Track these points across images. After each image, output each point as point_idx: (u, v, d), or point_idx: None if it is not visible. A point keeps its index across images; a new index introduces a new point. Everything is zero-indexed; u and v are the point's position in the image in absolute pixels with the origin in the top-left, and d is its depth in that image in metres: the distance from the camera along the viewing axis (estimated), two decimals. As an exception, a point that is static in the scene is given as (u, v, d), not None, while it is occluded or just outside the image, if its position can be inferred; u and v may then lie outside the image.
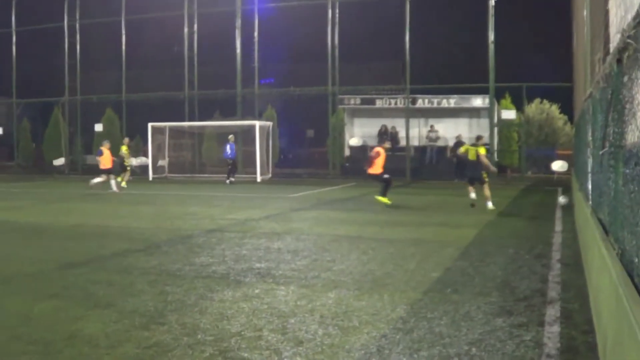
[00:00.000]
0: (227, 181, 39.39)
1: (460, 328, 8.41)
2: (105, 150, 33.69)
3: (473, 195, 24.23)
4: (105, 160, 33.69)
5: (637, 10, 4.64)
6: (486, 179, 24.13)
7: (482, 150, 24.00)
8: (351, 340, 7.88)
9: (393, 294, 10.27)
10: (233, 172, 39.69)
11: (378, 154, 25.35)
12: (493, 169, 25.19)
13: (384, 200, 25.01)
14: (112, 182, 33.30)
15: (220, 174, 42.90)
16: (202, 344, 7.69)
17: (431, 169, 44.20)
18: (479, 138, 24.85)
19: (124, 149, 36.03)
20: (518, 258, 13.66)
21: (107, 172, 33.58)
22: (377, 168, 25.32)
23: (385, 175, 25.29)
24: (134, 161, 47.83)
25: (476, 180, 24.19)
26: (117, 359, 7.22)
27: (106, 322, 8.63)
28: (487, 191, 24.01)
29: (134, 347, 7.58)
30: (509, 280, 11.40)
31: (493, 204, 23.78)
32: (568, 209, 23.29)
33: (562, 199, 24.55)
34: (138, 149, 50.63)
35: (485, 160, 24.02)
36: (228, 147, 39.83)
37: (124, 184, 35.25)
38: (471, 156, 24.25)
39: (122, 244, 15.72)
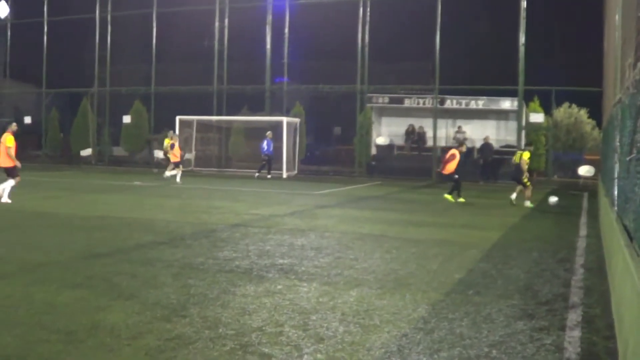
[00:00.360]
0: (256, 175, 39.86)
1: (481, 330, 8.41)
2: (176, 143, 35.03)
3: (514, 195, 25.78)
4: (176, 152, 35.05)
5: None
6: (527, 183, 25.54)
7: (525, 155, 25.37)
8: (372, 339, 7.89)
9: (415, 294, 10.27)
10: (266, 168, 39.85)
11: (453, 156, 26.34)
12: (523, 175, 25.71)
13: (451, 198, 26.32)
14: (178, 174, 34.72)
15: (247, 169, 43.00)
16: (223, 338, 7.72)
17: (458, 170, 44.04)
18: (528, 143, 27.30)
19: (167, 142, 37.07)
20: (541, 262, 13.61)
21: (177, 164, 34.89)
22: (450, 168, 26.33)
23: (456, 176, 26.34)
24: (161, 154, 48.12)
25: (515, 181, 26.13)
26: (138, 349, 7.27)
27: (128, 313, 8.68)
28: (527, 192, 25.60)
29: (155, 339, 7.63)
30: (532, 283, 11.37)
31: (531, 202, 25.48)
32: (592, 214, 23.21)
33: (552, 199, 25.40)
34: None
35: (523, 165, 25.31)
36: (265, 142, 40.12)
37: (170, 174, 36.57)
38: (516, 159, 25.89)
39: (147, 236, 15.81)
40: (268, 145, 39.81)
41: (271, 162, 40.14)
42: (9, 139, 22.36)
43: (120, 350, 7.25)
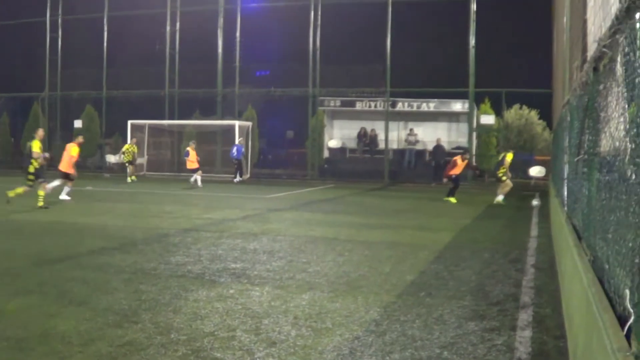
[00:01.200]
0: (235, 180, 40.26)
1: (432, 331, 8.45)
2: (191, 150, 35.37)
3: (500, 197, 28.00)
4: (192, 158, 35.34)
5: (613, 21, 4.69)
6: (502, 178, 27.83)
7: (509, 156, 28.08)
8: (324, 342, 7.91)
9: (367, 297, 10.30)
10: (240, 172, 40.35)
11: (455, 162, 28.35)
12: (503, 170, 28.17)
13: (453, 200, 28.26)
14: (198, 178, 35.01)
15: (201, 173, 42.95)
16: (176, 344, 7.70)
17: (409, 172, 44.30)
18: (510, 147, 30.36)
19: (126, 147, 39.66)
20: (493, 262, 13.72)
21: (195, 170, 35.07)
22: (454, 172, 28.36)
23: (455, 178, 28.44)
24: (113, 158, 47.92)
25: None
26: (90, 356, 7.22)
27: (80, 320, 8.62)
28: (501, 189, 27.95)
29: (107, 345, 7.58)
30: (483, 284, 11.45)
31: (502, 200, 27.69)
32: (543, 214, 23.41)
33: (535, 202, 26.36)
34: (117, 146, 50.51)
35: (506, 163, 28.03)
36: (235, 148, 40.52)
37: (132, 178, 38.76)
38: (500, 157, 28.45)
39: (99, 241, 15.70)
40: (238, 150, 40.11)
41: (242, 167, 40.68)
42: (73, 149, 24.95)
43: (71, 357, 7.19)
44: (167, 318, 8.81)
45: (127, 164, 40.15)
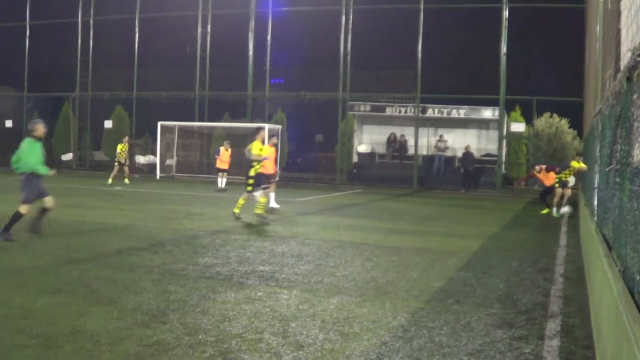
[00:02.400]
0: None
1: (460, 338, 8.43)
2: (224, 150, 35.16)
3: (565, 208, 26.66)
4: (224, 159, 35.30)
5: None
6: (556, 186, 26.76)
7: (576, 164, 25.98)
8: (351, 347, 7.90)
9: (395, 302, 10.28)
10: None
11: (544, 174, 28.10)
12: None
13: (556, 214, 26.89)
14: (224, 181, 35.21)
15: (229, 175, 42.98)
16: (203, 345, 7.72)
17: (438, 179, 44.18)
18: (578, 154, 27.71)
19: (119, 147, 37.55)
20: (521, 271, 13.65)
21: (223, 171, 35.06)
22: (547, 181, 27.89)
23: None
24: (142, 159, 48.05)
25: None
26: (118, 355, 7.25)
27: (108, 319, 8.66)
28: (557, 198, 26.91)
29: (135, 345, 7.61)
30: (511, 292, 11.40)
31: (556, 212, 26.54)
32: (572, 224, 23.28)
33: (566, 208, 25.94)
34: (147, 147, 50.71)
35: (576, 171, 26.32)
36: None
37: (126, 180, 37.15)
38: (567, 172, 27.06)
39: (127, 241, 15.76)
40: None
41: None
42: (264, 150, 22.30)
43: (99, 356, 7.22)
44: (195, 319, 8.83)
45: (117, 163, 37.68)
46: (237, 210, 21.12)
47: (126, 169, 37.84)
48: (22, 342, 7.59)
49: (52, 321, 8.51)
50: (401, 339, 8.29)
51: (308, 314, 9.35)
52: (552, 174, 27.44)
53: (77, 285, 10.70)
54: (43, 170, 15.74)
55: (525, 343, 8.34)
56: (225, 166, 34.74)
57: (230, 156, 35.32)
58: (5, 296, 9.82)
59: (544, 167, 28.48)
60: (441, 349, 7.94)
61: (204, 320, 8.77)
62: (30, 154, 15.58)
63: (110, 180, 36.46)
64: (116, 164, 37.68)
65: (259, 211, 21.00)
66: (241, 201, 21.14)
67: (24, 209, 15.48)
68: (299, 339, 8.14)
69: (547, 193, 27.89)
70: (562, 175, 26.43)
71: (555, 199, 26.71)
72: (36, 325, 8.30)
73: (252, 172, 21.10)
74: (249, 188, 21.11)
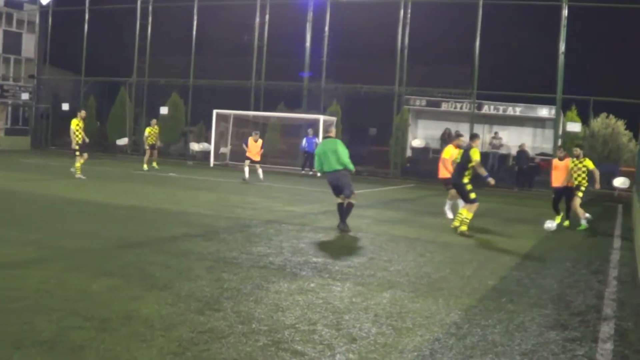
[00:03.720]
0: (302, 171, 40.83)
1: (513, 338, 8.37)
2: (252, 141, 33.94)
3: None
4: (252, 150, 34.12)
5: None
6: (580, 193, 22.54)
7: (588, 163, 23.00)
8: (404, 342, 7.88)
9: (448, 299, 10.24)
10: (310, 164, 39.95)
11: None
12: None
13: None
14: (246, 170, 33.71)
15: (282, 165, 43.18)
16: (256, 333, 7.74)
17: (492, 176, 43.60)
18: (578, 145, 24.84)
19: (148, 131, 37.98)
20: (575, 272, 13.53)
21: (254, 162, 33.81)
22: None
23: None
24: (196, 146, 48.26)
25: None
26: (172, 341, 7.30)
27: (162, 304, 8.72)
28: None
29: (189, 331, 7.66)
30: (565, 294, 11.31)
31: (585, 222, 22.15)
32: (626, 226, 23.01)
33: (549, 224, 20.90)
34: (201, 135, 50.91)
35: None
36: (305, 140, 40.88)
37: (154, 164, 37.33)
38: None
39: (181, 228, 15.86)
40: (308, 142, 40.01)
41: (310, 159, 40.14)
42: (446, 151, 22.11)
43: (153, 340, 7.28)
44: (249, 308, 8.86)
45: (148, 147, 37.84)
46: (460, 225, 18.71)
47: (155, 152, 37.96)
48: (77, 324, 7.67)
49: (107, 304, 8.59)
50: (454, 336, 8.26)
51: (361, 307, 9.34)
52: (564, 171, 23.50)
53: (131, 269, 10.78)
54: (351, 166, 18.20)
55: (578, 345, 8.27)
56: (256, 157, 33.73)
57: (262, 147, 34.24)
58: (61, 278, 9.92)
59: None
60: (494, 348, 7.89)
61: (257, 310, 8.80)
62: (343, 153, 18.12)
63: (145, 166, 36.72)
64: (147, 148, 37.79)
65: (462, 228, 18.53)
66: (468, 215, 18.94)
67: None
68: (352, 331, 8.13)
69: (567, 205, 22.93)
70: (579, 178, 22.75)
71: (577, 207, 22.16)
72: (91, 307, 8.38)
73: (465, 180, 19.47)
74: (473, 195, 19.25)
